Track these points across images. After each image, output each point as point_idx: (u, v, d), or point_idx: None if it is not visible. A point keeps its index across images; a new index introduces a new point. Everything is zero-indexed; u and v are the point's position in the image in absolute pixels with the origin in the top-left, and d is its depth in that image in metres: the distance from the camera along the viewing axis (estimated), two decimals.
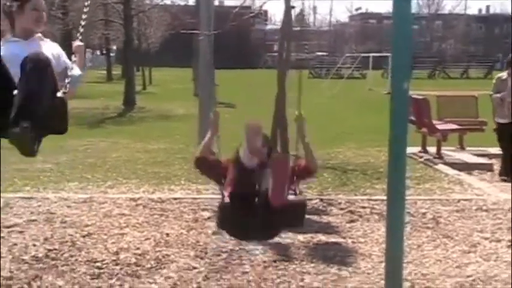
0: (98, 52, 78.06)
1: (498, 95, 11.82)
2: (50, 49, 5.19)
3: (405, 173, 6.17)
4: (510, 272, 6.71)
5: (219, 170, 6.23)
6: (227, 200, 5.92)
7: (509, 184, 11.09)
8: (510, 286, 6.38)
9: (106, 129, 19.27)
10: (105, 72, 52.36)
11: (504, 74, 12.05)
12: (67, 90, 4.81)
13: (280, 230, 6.26)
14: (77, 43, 5.35)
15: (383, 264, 6.29)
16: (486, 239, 7.90)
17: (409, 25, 5.79)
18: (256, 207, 5.84)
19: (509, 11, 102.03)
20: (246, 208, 5.84)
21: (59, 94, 4.68)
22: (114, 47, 65.53)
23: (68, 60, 5.31)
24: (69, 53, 5.33)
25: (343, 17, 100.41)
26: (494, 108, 12.16)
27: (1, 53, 4.64)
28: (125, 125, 21.16)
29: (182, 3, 51.01)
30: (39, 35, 5.24)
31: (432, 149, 13.99)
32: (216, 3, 13.12)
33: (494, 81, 12.27)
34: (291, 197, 6.14)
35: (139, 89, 36.39)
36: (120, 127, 20.03)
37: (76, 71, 5.16)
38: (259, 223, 5.83)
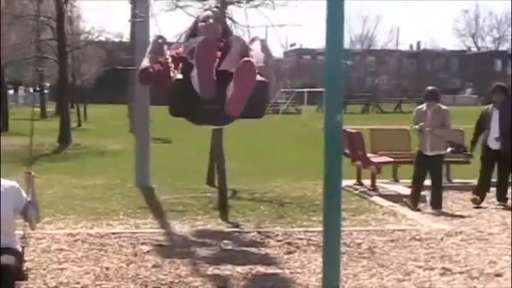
0: (31, 89, 77.19)
1: (416, 126, 12.39)
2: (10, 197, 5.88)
3: (340, 205, 6.34)
4: None
5: (166, 67, 5.56)
6: (180, 76, 5.34)
7: (439, 215, 11.49)
8: None
9: (41, 166, 18.98)
10: (39, 109, 51.84)
11: (423, 106, 12.55)
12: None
13: (240, 115, 5.66)
14: (28, 171, 5.81)
15: None
16: (420, 267, 8.10)
17: (341, 60, 6.00)
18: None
19: (439, 47, 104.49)
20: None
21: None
22: (48, 84, 64.99)
23: (25, 196, 5.98)
24: None
25: (278, 53, 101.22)
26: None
27: None
28: (60, 161, 20.99)
29: (117, 39, 50.83)
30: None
31: (367, 182, 14.25)
32: (153, 37, 13.24)
33: (414, 113, 12.91)
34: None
35: (74, 125, 36.16)
36: (56, 164, 19.85)
37: (34, 209, 5.95)
38: (216, 106, 5.35)
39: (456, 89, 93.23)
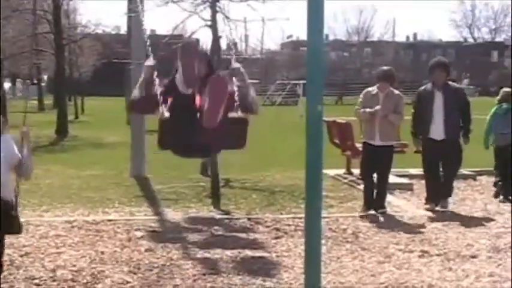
0: (29, 82, 77.42)
1: (369, 110, 10.68)
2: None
3: (321, 190, 6.71)
4: (419, 278, 7.32)
5: (155, 99, 6.54)
6: (167, 114, 6.33)
7: (424, 201, 11.57)
8: None
9: (38, 157, 19.25)
10: (36, 102, 52.10)
11: (374, 89, 10.92)
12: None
13: (221, 148, 6.72)
14: (24, 129, 6.03)
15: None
16: (400, 250, 8.50)
17: (321, 52, 6.36)
18: (196, 122, 6.31)
19: (436, 38, 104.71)
20: (186, 122, 6.28)
21: None
22: (45, 77, 65.23)
23: (16, 150, 6.01)
24: None
25: (275, 46, 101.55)
26: (362, 128, 11.19)
27: None
28: (57, 153, 21.29)
29: (114, 32, 50.98)
30: None
31: (357, 171, 14.56)
32: (148, 32, 13.42)
33: (361, 96, 11.08)
34: (231, 114, 6.61)
35: (72, 118, 36.45)
36: (53, 155, 20.15)
37: (28, 158, 5.99)
38: (200, 141, 6.26)
39: (453, 79, 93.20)
